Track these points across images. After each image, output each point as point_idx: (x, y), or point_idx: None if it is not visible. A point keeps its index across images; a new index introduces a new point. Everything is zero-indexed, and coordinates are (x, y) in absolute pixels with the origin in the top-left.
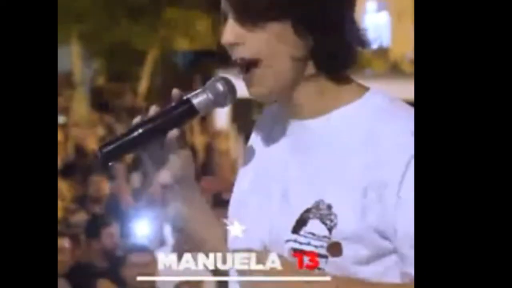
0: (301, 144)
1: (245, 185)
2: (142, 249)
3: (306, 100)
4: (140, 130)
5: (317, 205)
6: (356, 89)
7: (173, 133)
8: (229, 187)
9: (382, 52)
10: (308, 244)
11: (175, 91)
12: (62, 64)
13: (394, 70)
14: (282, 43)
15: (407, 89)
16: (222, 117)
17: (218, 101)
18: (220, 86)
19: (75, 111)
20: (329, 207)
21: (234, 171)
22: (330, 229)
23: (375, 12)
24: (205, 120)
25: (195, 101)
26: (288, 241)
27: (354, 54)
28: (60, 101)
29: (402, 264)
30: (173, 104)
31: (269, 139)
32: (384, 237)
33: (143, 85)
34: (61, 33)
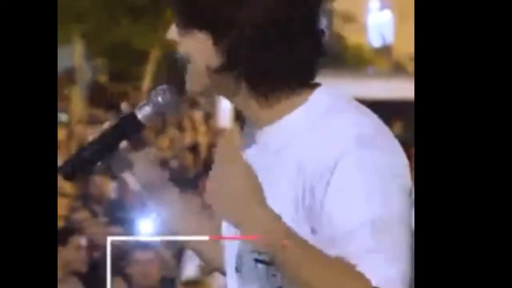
0: (260, 152)
1: None
2: (145, 247)
3: (252, 109)
4: (95, 147)
5: None
6: (305, 90)
7: (123, 145)
8: None
9: (385, 50)
10: (266, 254)
11: (124, 105)
12: (65, 63)
13: (397, 69)
14: (200, 51)
15: (410, 88)
16: (225, 115)
17: (161, 112)
18: (159, 99)
19: (77, 110)
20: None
21: None
22: None
23: (378, 10)
24: (209, 119)
25: (139, 115)
26: (252, 251)
27: (290, 71)
28: (62, 100)
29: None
30: (121, 117)
31: (245, 148)
32: (314, 231)
33: (145, 84)
34: (63, 32)
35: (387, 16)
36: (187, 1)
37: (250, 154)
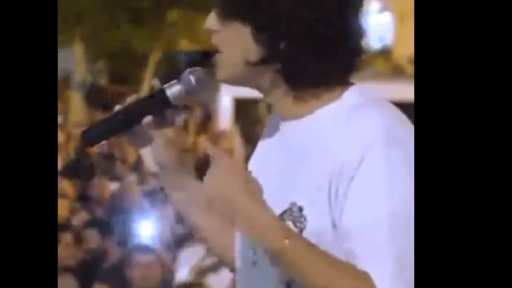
0: (285, 145)
1: None
2: (146, 250)
3: (285, 103)
4: (120, 117)
5: (291, 207)
6: (339, 88)
7: (147, 119)
8: None
9: (385, 52)
10: None
11: (154, 81)
12: (65, 65)
13: (397, 71)
14: (238, 43)
15: (410, 90)
16: (225, 117)
17: (191, 92)
18: (192, 79)
19: (77, 112)
20: (300, 209)
21: None
22: (301, 231)
23: (378, 12)
24: (208, 120)
25: (168, 92)
26: None
27: (330, 70)
28: (62, 102)
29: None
30: (151, 92)
31: (266, 140)
32: (334, 225)
33: (145, 86)
34: (64, 34)
35: (386, 18)
36: None
37: (273, 145)
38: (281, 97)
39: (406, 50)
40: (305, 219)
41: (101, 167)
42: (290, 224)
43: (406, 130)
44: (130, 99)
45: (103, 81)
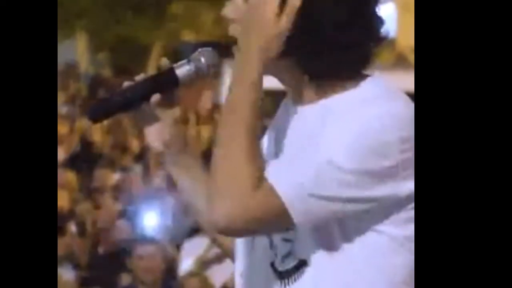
0: (298, 126)
1: None
2: (148, 241)
3: (303, 91)
4: (127, 94)
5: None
6: (358, 79)
7: (155, 97)
8: None
9: (388, 43)
10: None
11: (164, 60)
12: (68, 57)
13: (400, 62)
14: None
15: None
16: None
17: (200, 72)
18: (203, 59)
19: (80, 104)
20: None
21: None
22: None
23: (381, 3)
24: (213, 109)
25: (178, 71)
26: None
27: (347, 61)
28: (66, 93)
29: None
30: (160, 71)
31: (277, 125)
32: None
33: None
34: (66, 26)
35: (390, 9)
36: None
37: (286, 127)
38: (300, 87)
39: (409, 40)
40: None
41: (105, 157)
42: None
43: (407, 120)
44: (138, 78)
45: (106, 73)
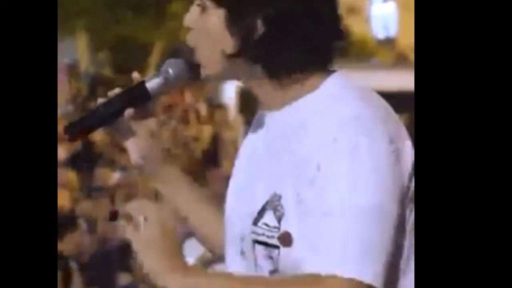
0: (269, 135)
1: (234, 176)
2: None
3: (266, 93)
4: (101, 110)
5: (273, 197)
6: (318, 76)
7: (129, 112)
8: None
9: (389, 41)
10: (263, 235)
11: (134, 74)
12: (68, 55)
13: (401, 61)
14: (214, 37)
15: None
16: (229, 107)
17: (169, 84)
18: (170, 71)
19: (81, 102)
20: (279, 197)
21: None
22: (279, 220)
23: (381, 2)
24: (213, 110)
25: (148, 84)
26: (251, 232)
27: (307, 56)
28: (67, 92)
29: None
30: (131, 85)
31: (254, 131)
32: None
33: (149, 77)
34: (67, 25)
35: (390, 7)
36: None
37: (259, 137)
38: (261, 87)
39: (410, 39)
40: (282, 207)
41: (106, 157)
42: (271, 213)
43: (378, 120)
44: (112, 93)
45: (106, 72)
